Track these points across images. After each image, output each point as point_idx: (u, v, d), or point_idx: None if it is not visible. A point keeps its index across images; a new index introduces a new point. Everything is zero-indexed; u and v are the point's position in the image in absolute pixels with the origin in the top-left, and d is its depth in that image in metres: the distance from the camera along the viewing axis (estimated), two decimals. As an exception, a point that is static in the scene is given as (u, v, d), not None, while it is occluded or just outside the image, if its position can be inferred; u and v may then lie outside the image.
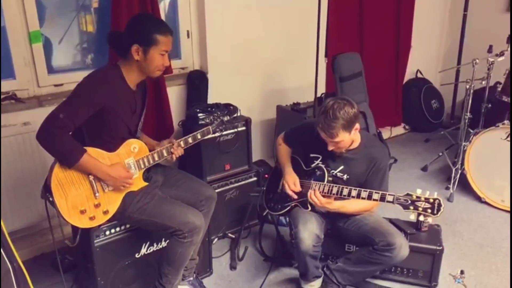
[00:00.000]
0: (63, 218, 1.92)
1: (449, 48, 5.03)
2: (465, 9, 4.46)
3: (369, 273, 2.37)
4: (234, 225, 2.97)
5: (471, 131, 3.59)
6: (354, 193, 2.14)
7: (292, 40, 3.74)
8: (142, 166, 2.08)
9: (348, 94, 3.35)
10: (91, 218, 1.97)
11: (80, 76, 2.00)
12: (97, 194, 1.97)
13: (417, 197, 2.02)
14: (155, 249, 2.27)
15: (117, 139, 2.03)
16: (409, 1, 4.51)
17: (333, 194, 2.19)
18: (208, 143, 2.71)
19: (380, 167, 2.26)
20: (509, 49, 3.34)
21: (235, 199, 2.96)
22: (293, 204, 2.36)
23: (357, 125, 2.16)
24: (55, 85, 2.81)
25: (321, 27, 3.24)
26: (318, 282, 2.38)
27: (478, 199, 3.39)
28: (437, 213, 1.98)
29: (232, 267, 2.69)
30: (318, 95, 3.50)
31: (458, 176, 3.51)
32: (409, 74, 4.89)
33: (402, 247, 2.17)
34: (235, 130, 2.85)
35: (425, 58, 5.00)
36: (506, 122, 3.23)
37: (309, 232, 2.19)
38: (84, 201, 1.95)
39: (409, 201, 2.02)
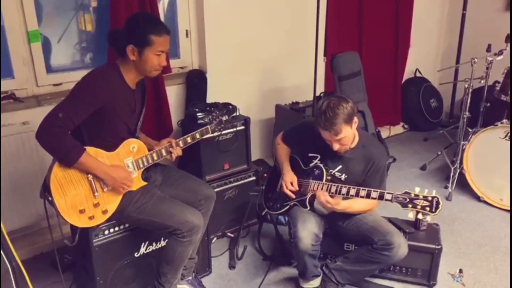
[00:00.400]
0: (62, 217, 1.91)
1: (448, 47, 5.03)
2: (464, 8, 4.46)
3: (368, 272, 2.37)
4: (233, 224, 2.98)
5: (470, 130, 3.59)
6: (352, 191, 2.14)
7: (291, 39, 3.74)
8: (141, 166, 2.08)
9: (347, 93, 3.35)
10: (90, 218, 1.97)
11: (79, 75, 2.00)
12: (96, 194, 1.97)
13: (416, 195, 2.01)
14: (154, 249, 2.27)
15: (117, 139, 2.03)
16: (408, 0, 4.50)
17: (332, 193, 2.19)
18: (207, 142, 2.71)
19: (379, 167, 2.27)
20: (508, 48, 3.33)
21: (234, 198, 2.96)
22: (292, 203, 2.36)
23: (356, 119, 2.16)
24: (54, 85, 2.81)
25: (320, 26, 3.24)
26: (317, 281, 2.38)
27: (477, 198, 3.39)
28: (435, 211, 1.98)
29: (231, 266, 2.69)
30: (317, 94, 3.51)
31: (456, 175, 3.51)
32: (408, 73, 4.89)
33: (401, 246, 2.18)
34: (234, 129, 2.85)
35: (424, 57, 5.00)
36: (505, 121, 3.23)
37: (308, 231, 2.19)
38: (83, 201, 1.95)
39: (408, 199, 2.02)
